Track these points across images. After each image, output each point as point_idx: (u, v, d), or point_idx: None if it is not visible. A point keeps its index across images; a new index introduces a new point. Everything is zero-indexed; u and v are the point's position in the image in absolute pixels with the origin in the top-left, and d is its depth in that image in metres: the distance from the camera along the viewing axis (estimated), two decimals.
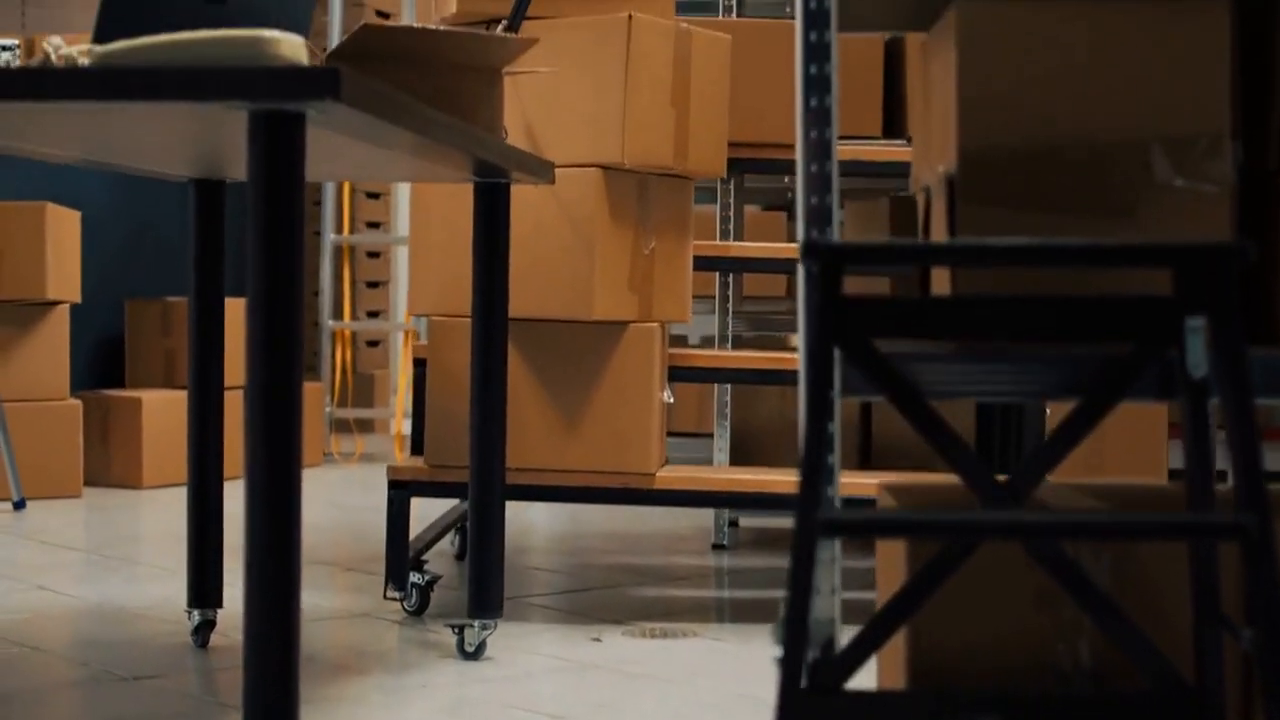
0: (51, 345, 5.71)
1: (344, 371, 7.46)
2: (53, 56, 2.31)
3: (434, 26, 3.03)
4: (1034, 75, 1.99)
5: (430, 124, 2.54)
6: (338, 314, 7.36)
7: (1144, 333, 1.73)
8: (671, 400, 3.85)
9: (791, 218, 6.01)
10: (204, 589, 3.42)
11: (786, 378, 3.98)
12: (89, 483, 6.06)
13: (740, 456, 4.85)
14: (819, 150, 1.99)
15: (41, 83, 2.18)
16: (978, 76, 1.99)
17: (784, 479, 3.74)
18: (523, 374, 3.74)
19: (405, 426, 7.18)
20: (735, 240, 4.66)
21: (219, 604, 3.43)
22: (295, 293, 2.15)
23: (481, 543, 3.33)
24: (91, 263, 6.35)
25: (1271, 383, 1.86)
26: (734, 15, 4.86)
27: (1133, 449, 3.86)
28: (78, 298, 5.81)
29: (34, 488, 5.66)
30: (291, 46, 2.27)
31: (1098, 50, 1.99)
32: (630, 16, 3.61)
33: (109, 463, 6.05)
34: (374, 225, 7.67)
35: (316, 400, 6.78)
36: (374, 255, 7.71)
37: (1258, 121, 2.07)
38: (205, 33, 2.25)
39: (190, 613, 3.42)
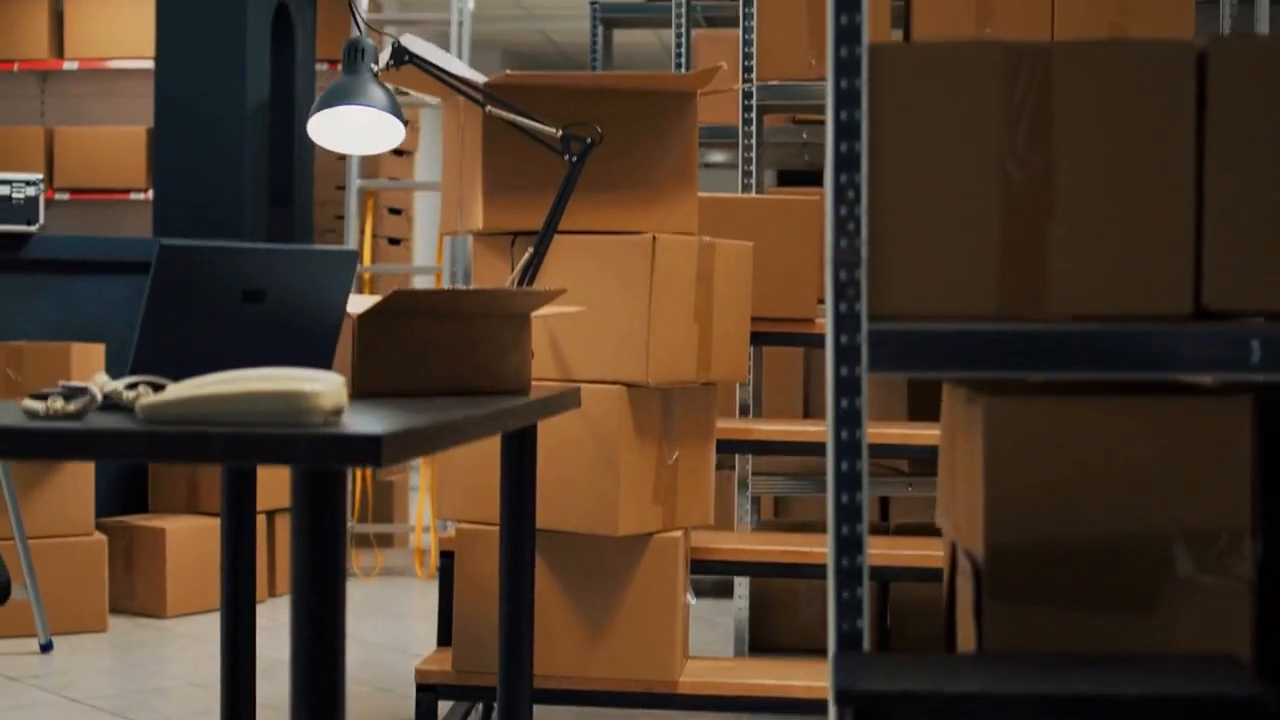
0: (76, 481, 5.77)
1: (364, 484, 7.52)
2: (97, 395, 2.37)
3: (462, 288, 3.09)
4: (1059, 472, 2.04)
5: (464, 433, 2.60)
6: None
7: None
8: (694, 601, 3.90)
9: (809, 415, 6.06)
10: None
11: (810, 571, 4.04)
12: (113, 609, 6.12)
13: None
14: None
15: (92, 443, 2.24)
16: (1005, 475, 2.04)
17: (805, 683, 3.79)
18: (548, 582, 3.80)
19: (425, 540, 7.23)
20: (755, 418, 4.72)
21: None
22: (338, 631, 2.21)
23: None
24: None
25: None
26: (752, 188, 4.91)
27: None
28: None
29: (59, 622, 5.73)
30: (332, 394, 2.33)
31: (1121, 447, 2.05)
32: (654, 239, 3.66)
33: (133, 590, 6.11)
34: None
35: None
36: None
37: (1277, 518, 2.12)
38: (250, 380, 2.31)
39: None
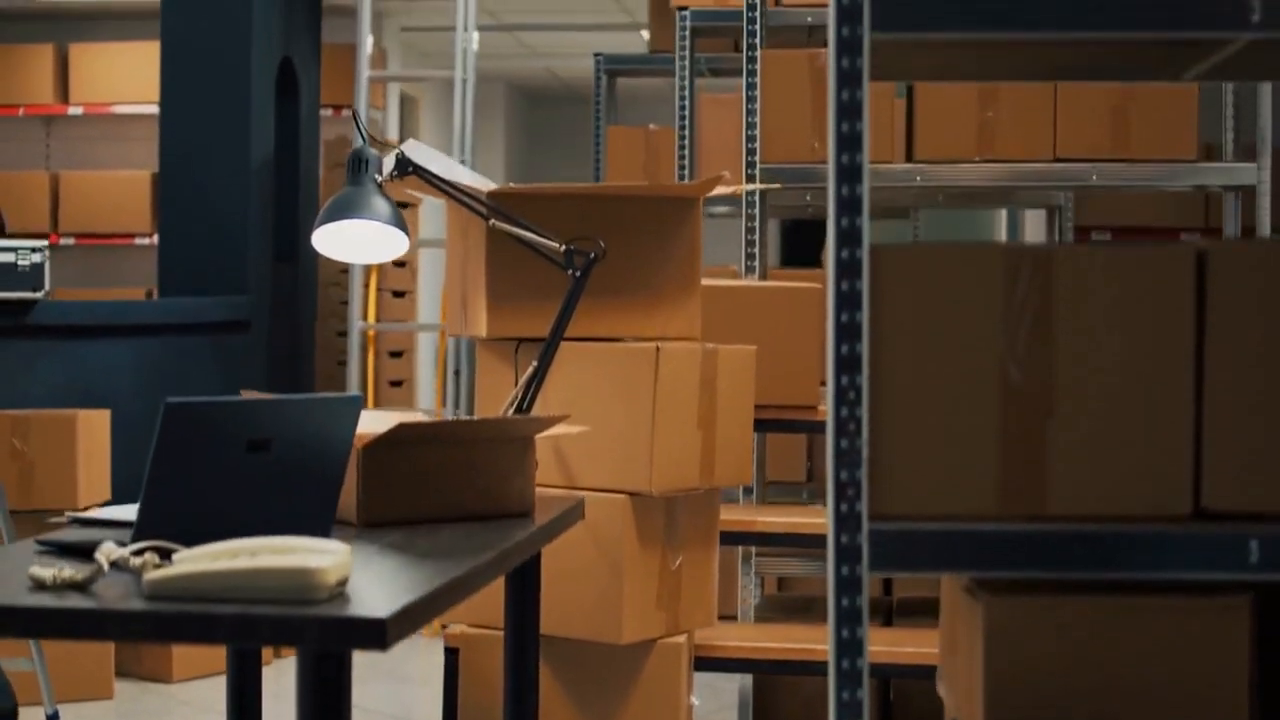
0: None
1: None
2: (104, 565, 2.39)
3: (466, 418, 3.11)
4: (1058, 668, 2.06)
5: (469, 588, 2.62)
6: None
7: None
8: (697, 704, 3.92)
9: (811, 481, 6.09)
10: None
11: (814, 668, 4.06)
12: (120, 673, 6.14)
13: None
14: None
15: (102, 625, 2.26)
16: (1003, 670, 2.06)
17: None
18: (552, 687, 3.82)
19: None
20: (758, 504, 4.74)
21: None
22: None
23: None
24: (120, 448, 6.42)
25: None
26: (755, 271, 4.93)
27: None
28: (108, 496, 5.89)
29: (66, 689, 5.75)
30: (338, 568, 2.34)
31: (1119, 645, 2.06)
32: (658, 349, 3.68)
33: (139, 654, 6.13)
34: (396, 383, 7.76)
35: None
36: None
37: (1276, 718, 2.13)
38: (258, 555, 2.32)
39: None
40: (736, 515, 4.41)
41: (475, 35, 7.49)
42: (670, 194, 3.81)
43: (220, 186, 6.91)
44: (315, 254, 7.68)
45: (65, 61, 8.92)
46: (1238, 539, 2.03)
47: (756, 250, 4.97)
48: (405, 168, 3.68)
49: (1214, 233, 6.08)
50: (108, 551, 2.43)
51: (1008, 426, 2.06)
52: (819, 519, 4.39)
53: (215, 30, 6.95)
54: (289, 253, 7.42)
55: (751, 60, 4.87)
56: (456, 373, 7.06)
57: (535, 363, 3.58)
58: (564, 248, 3.54)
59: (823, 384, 4.67)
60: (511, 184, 3.99)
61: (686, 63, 6.42)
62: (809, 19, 6.05)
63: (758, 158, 4.87)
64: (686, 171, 6.59)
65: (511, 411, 3.57)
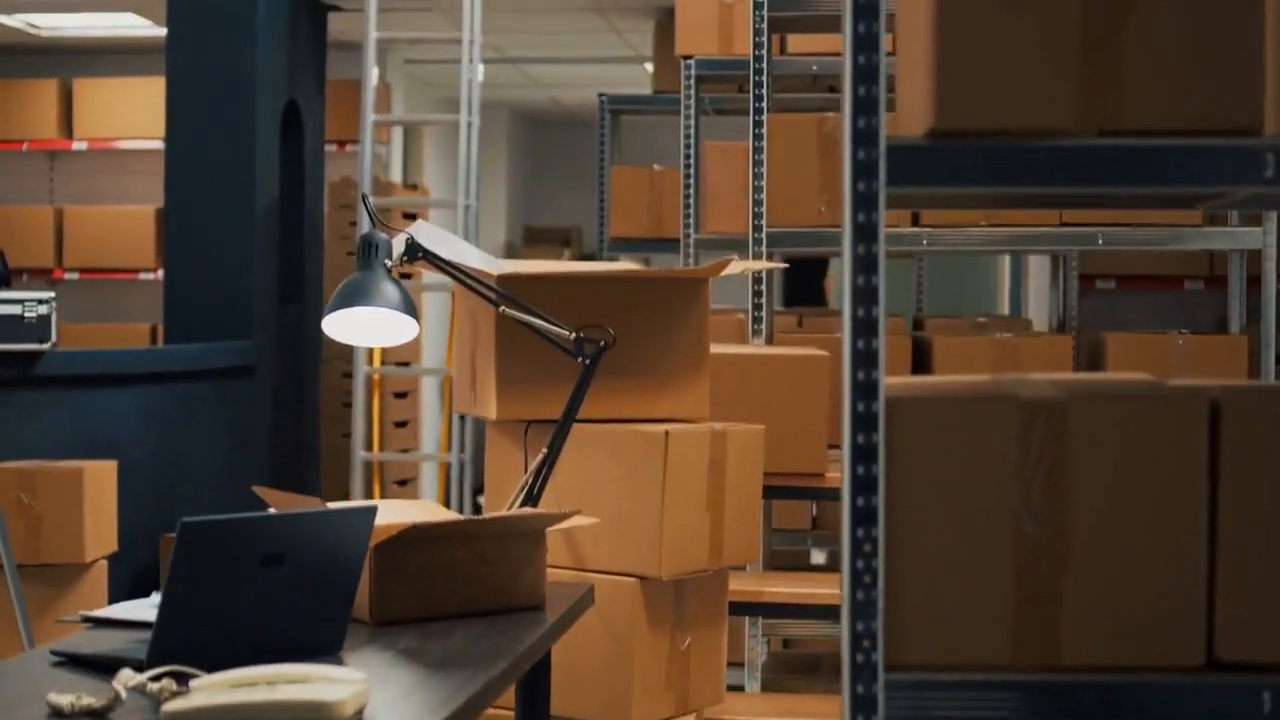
0: (91, 600, 5.80)
1: None
2: (122, 694, 2.40)
3: (477, 517, 3.12)
4: None
5: (482, 705, 2.63)
6: None
7: None
8: None
9: (816, 528, 6.10)
10: None
11: None
12: None
13: None
14: None
15: None
16: None
17: None
18: None
19: None
20: (764, 570, 4.75)
21: None
22: None
23: None
24: (126, 497, 6.42)
25: None
26: (762, 335, 4.94)
27: None
28: (115, 547, 5.90)
29: None
30: (355, 699, 2.36)
31: None
32: (667, 434, 3.70)
33: None
34: (401, 424, 7.78)
35: None
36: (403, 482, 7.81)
37: None
38: (276, 687, 2.34)
39: None
40: (744, 585, 4.42)
41: (480, 68, 7.51)
42: (678, 276, 3.82)
43: (226, 232, 6.93)
44: (320, 295, 7.70)
45: (69, 97, 8.94)
46: (1250, 689, 2.05)
47: (764, 315, 4.98)
48: (415, 253, 3.69)
49: (1218, 281, 6.09)
50: (125, 679, 2.45)
51: (1021, 578, 2.08)
52: (826, 589, 4.40)
53: (221, 73, 6.97)
54: (294, 294, 7.43)
55: (759, 125, 4.88)
56: (462, 416, 7.08)
57: (545, 450, 3.59)
58: (574, 335, 3.56)
59: (832, 446, 4.68)
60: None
61: (692, 112, 6.44)
62: (814, 67, 6.07)
63: (764, 220, 4.88)
64: (691, 220, 6.61)
65: (522, 498, 3.59)
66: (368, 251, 3.65)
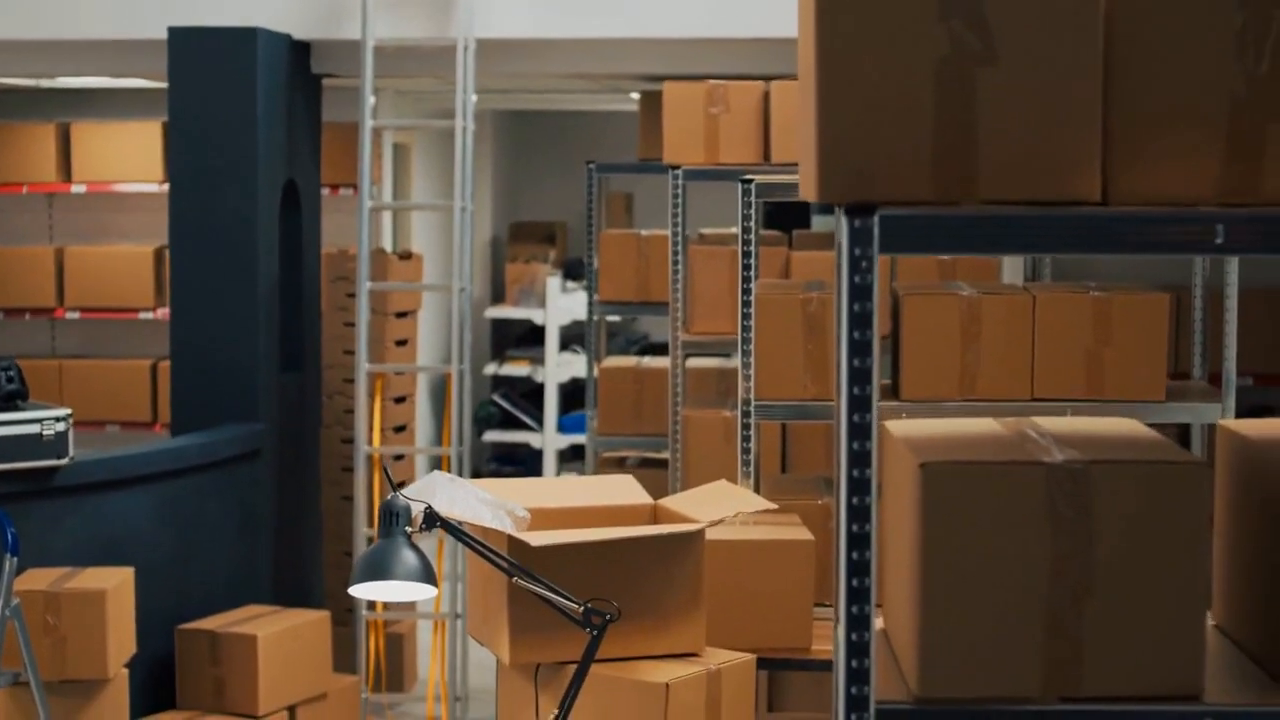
0: (114, 713, 6.11)
1: (376, 649, 7.86)
2: None
3: None
4: None
5: None
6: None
7: None
8: None
9: None
10: None
11: None
12: None
13: None
14: None
15: None
16: None
17: None
18: None
19: (436, 710, 7.60)
20: None
21: None
22: None
23: None
24: (142, 595, 6.67)
25: None
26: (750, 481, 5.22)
27: None
28: (134, 650, 6.20)
29: None
30: None
31: None
32: (668, 687, 4.00)
33: None
34: (399, 485, 8.06)
35: (353, 695, 7.18)
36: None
37: None
38: None
39: None
40: None
41: (473, 99, 7.69)
42: (677, 531, 4.12)
43: (231, 323, 7.16)
44: (318, 363, 7.96)
45: (68, 140, 9.11)
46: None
47: (751, 468, 5.26)
48: (433, 522, 3.97)
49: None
50: None
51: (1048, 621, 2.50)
52: None
53: (222, 164, 7.17)
54: (294, 363, 7.68)
55: (746, 305, 5.14)
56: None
57: (555, 712, 3.90)
58: (582, 608, 3.85)
59: (820, 611, 4.97)
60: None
61: (680, 221, 6.65)
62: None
63: (752, 395, 5.15)
64: (680, 318, 6.86)
65: None
66: (389, 520, 3.93)
